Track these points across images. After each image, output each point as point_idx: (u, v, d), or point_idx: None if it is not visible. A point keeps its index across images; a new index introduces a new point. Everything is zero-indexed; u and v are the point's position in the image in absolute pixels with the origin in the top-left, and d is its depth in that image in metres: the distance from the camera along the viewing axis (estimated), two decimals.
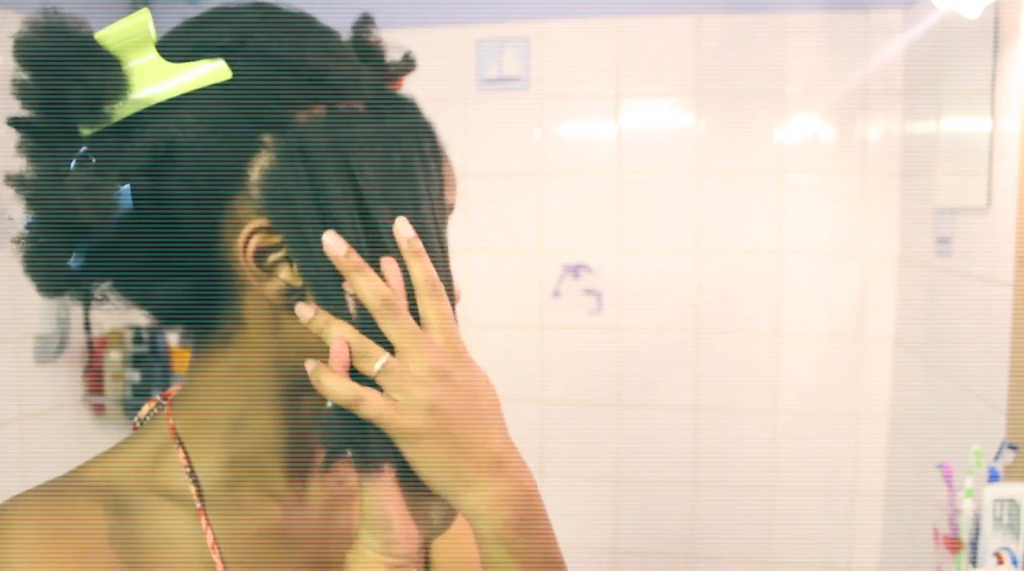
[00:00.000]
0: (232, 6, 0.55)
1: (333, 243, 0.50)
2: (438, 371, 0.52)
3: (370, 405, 0.51)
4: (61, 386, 2.03)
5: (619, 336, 2.13)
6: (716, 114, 2.05)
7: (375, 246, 0.52)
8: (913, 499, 1.80)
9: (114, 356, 2.11)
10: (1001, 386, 1.31)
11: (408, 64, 0.61)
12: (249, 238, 0.51)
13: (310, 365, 0.52)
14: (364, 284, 0.51)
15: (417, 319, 0.53)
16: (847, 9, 1.96)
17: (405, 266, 0.53)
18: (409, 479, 0.53)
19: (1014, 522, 1.09)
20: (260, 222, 0.51)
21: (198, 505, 0.55)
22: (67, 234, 0.48)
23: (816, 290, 2.03)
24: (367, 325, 0.52)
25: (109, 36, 0.50)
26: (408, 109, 0.56)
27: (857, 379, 2.03)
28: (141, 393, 2.11)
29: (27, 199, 0.49)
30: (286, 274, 0.52)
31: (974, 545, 1.14)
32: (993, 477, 1.13)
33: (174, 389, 0.61)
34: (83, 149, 0.49)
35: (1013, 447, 1.18)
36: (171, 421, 0.57)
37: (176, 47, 0.52)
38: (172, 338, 2.17)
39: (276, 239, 0.51)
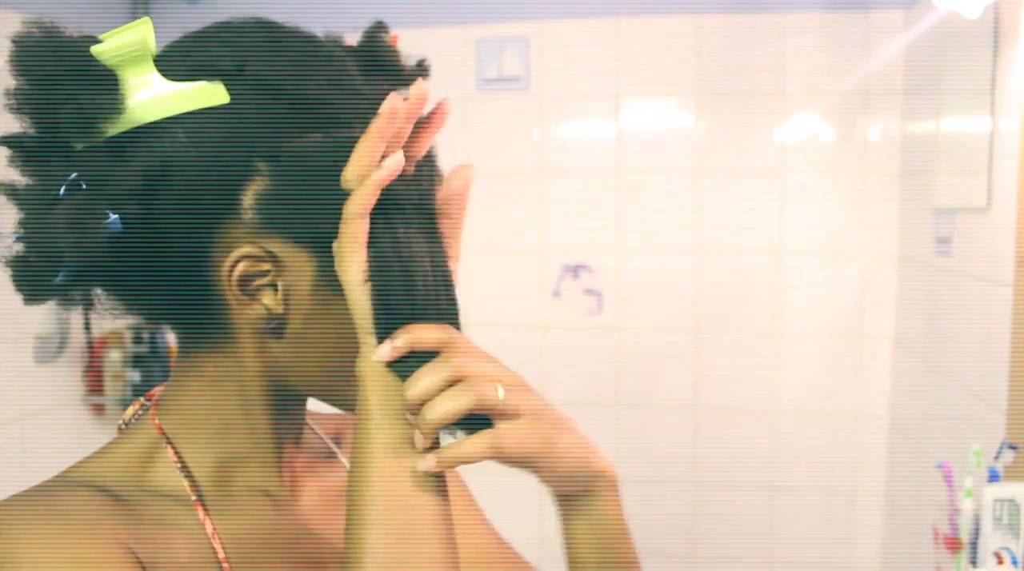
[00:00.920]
0: (235, 24, 0.54)
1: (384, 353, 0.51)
2: (518, 379, 0.55)
3: (510, 439, 0.52)
4: (61, 386, 2.03)
5: (619, 336, 2.13)
6: (716, 114, 2.05)
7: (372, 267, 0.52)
8: (913, 499, 1.80)
9: (114, 356, 2.11)
10: (1001, 386, 1.31)
11: (421, 71, 0.60)
12: (236, 264, 0.51)
13: (430, 460, 0.50)
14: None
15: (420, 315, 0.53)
16: (847, 9, 1.96)
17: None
18: None
19: (1014, 522, 1.09)
20: (248, 249, 0.51)
21: (193, 498, 0.55)
22: (52, 258, 0.48)
23: (816, 290, 2.03)
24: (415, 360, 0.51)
25: (107, 50, 0.49)
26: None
27: (857, 379, 2.03)
28: (141, 393, 2.09)
29: (18, 213, 0.49)
30: (269, 300, 0.52)
31: (974, 545, 1.14)
32: (993, 477, 1.13)
33: (157, 390, 0.61)
34: (73, 175, 0.48)
35: (1013, 447, 1.18)
36: (157, 421, 0.57)
37: (175, 65, 0.51)
38: (172, 338, 2.17)
39: (263, 266, 0.52)
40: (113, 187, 0.48)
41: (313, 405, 0.63)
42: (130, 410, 0.61)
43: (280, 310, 0.53)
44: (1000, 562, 1.09)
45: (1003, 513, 1.10)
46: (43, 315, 1.88)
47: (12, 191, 0.50)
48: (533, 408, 0.54)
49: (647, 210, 2.09)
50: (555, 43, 2.10)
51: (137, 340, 2.13)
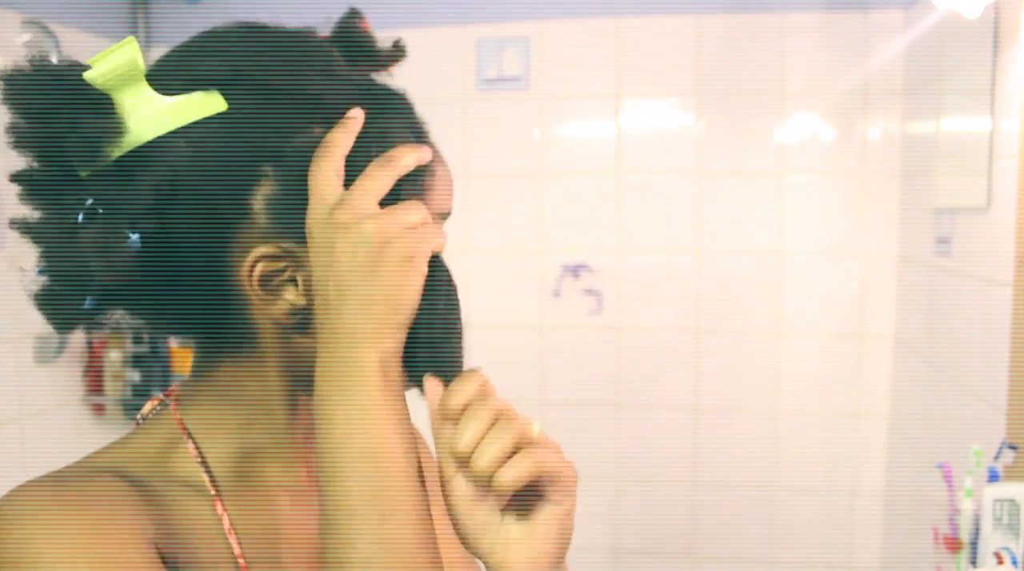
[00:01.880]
0: (220, 31, 0.55)
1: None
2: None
3: (571, 471, 0.54)
4: (61, 386, 2.03)
5: (619, 336, 2.13)
6: (716, 114, 2.05)
7: None
8: (913, 499, 1.80)
9: (114, 356, 2.11)
10: (1001, 386, 1.31)
11: (398, 52, 0.60)
12: (254, 265, 0.52)
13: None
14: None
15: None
16: (847, 9, 1.96)
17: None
18: None
19: (1014, 522, 1.09)
20: (265, 249, 0.52)
21: (212, 492, 0.55)
22: (81, 284, 0.49)
23: (816, 290, 2.03)
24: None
25: (99, 75, 0.50)
26: (399, 113, 0.57)
27: (857, 379, 2.03)
28: (141, 393, 2.11)
29: (37, 247, 0.50)
30: (291, 295, 0.53)
31: (974, 545, 1.14)
32: (993, 477, 1.13)
33: (176, 387, 0.61)
34: (90, 201, 0.49)
35: (1013, 447, 1.18)
36: (178, 416, 0.58)
37: (169, 79, 0.52)
38: (173, 338, 2.17)
39: (281, 264, 0.53)
40: (127, 208, 0.49)
41: None
42: (147, 406, 0.61)
43: (303, 302, 0.53)
44: (1000, 562, 1.09)
45: (1003, 513, 1.10)
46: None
47: (26, 227, 0.51)
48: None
49: (647, 210, 2.09)
50: (555, 43, 2.10)
51: (137, 340, 2.13)
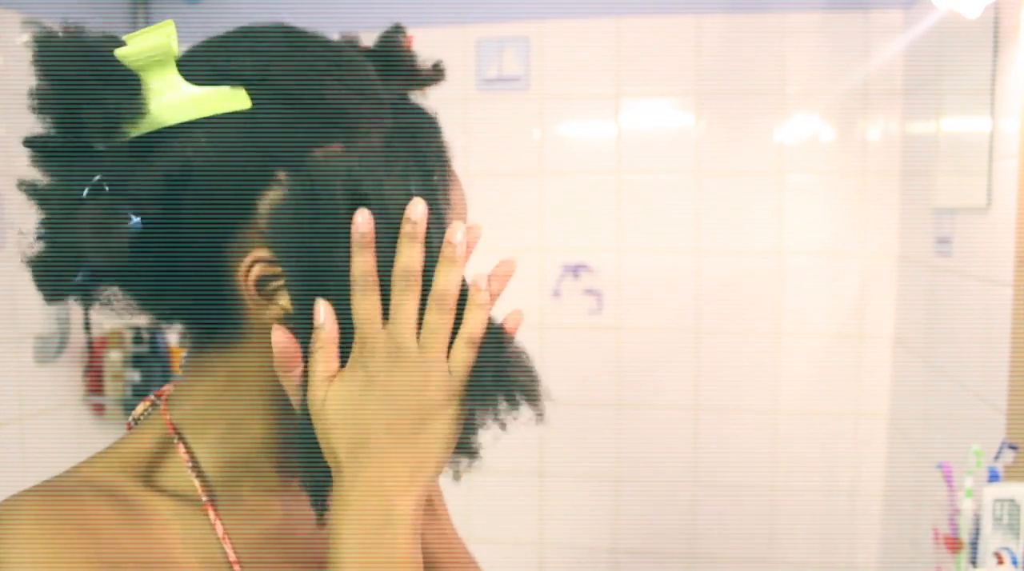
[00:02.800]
0: (257, 30, 0.55)
1: None
2: None
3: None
4: (61, 386, 2.03)
5: (619, 336, 2.13)
6: (716, 114, 2.05)
7: (382, 280, 0.52)
8: (913, 499, 1.80)
9: (114, 356, 2.11)
10: (1001, 386, 1.31)
11: (437, 74, 0.60)
12: (251, 267, 0.52)
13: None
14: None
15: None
16: (847, 9, 1.96)
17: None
18: None
19: (1014, 522, 1.09)
20: (263, 253, 0.51)
21: (204, 499, 0.55)
22: (75, 256, 0.49)
23: (816, 290, 2.03)
24: None
25: (131, 53, 0.50)
26: (429, 137, 0.56)
27: (857, 379, 2.03)
28: (141, 393, 2.11)
29: (39, 211, 0.50)
30: (285, 301, 0.53)
31: (974, 545, 1.14)
32: (993, 477, 1.13)
33: (168, 388, 0.61)
34: (97, 177, 0.49)
35: (1013, 447, 1.18)
36: (168, 417, 0.57)
37: (198, 69, 0.51)
38: (172, 338, 2.17)
39: (278, 269, 0.52)
40: (135, 189, 0.49)
41: None
42: (139, 408, 0.61)
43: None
44: (1000, 562, 1.09)
45: (1003, 513, 1.10)
46: (43, 315, 1.87)
47: (34, 190, 0.50)
48: None
49: (647, 210, 2.09)
50: (555, 43, 2.10)
51: (137, 340, 2.13)
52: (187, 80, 0.51)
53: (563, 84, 2.10)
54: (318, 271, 0.51)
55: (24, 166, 0.51)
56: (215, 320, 0.55)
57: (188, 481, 0.55)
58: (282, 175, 0.51)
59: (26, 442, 1.86)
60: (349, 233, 0.51)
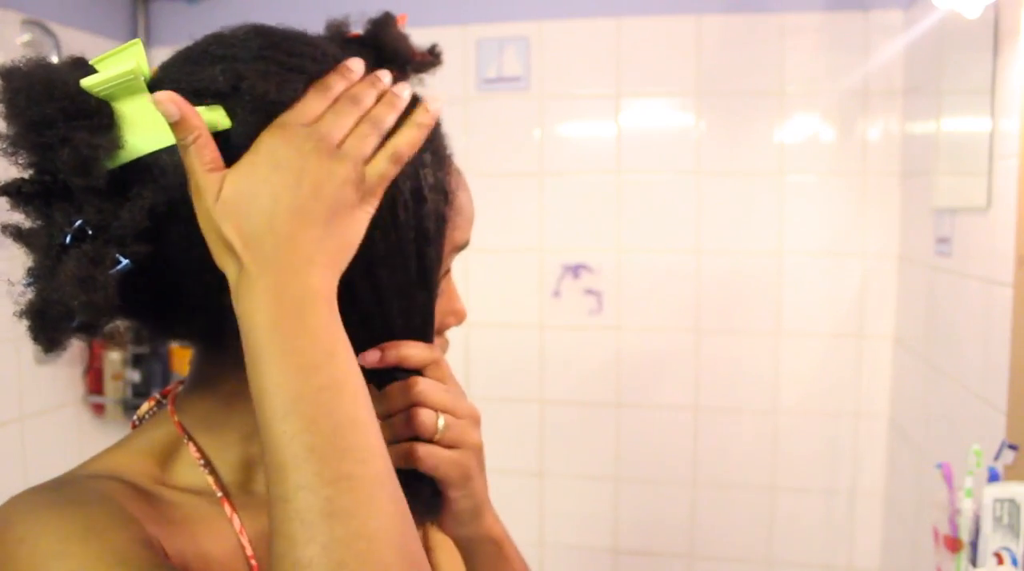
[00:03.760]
0: (227, 36, 0.52)
1: None
2: (472, 412, 0.61)
3: (432, 459, 0.57)
4: (61, 386, 2.03)
5: (619, 336, 2.13)
6: (716, 114, 2.05)
7: (390, 283, 0.52)
8: (913, 499, 1.80)
9: (114, 356, 2.11)
10: (1001, 386, 1.31)
11: (434, 58, 0.58)
12: None
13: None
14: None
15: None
16: (847, 9, 1.96)
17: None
18: None
19: (1014, 522, 1.09)
20: None
21: (219, 494, 0.54)
22: (67, 307, 0.47)
23: (816, 290, 2.03)
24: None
25: (98, 83, 0.47)
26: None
27: (857, 379, 2.03)
28: (141, 393, 2.11)
29: (30, 256, 0.48)
30: None
31: (974, 545, 1.14)
32: (993, 477, 1.13)
33: (173, 386, 0.60)
34: (79, 222, 0.46)
35: (1013, 447, 1.18)
36: (176, 418, 0.56)
37: (171, 89, 0.48)
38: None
39: None
40: (119, 229, 0.47)
41: None
42: (144, 407, 0.60)
43: None
44: (1000, 562, 1.09)
45: (1003, 513, 1.10)
46: None
47: (19, 233, 0.48)
48: (471, 443, 0.57)
49: (647, 210, 2.09)
50: (555, 43, 2.10)
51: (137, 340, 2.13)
52: None
53: (563, 84, 2.10)
54: None
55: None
56: (218, 339, 0.53)
57: (201, 477, 0.54)
58: None
59: (26, 442, 1.86)
60: None
